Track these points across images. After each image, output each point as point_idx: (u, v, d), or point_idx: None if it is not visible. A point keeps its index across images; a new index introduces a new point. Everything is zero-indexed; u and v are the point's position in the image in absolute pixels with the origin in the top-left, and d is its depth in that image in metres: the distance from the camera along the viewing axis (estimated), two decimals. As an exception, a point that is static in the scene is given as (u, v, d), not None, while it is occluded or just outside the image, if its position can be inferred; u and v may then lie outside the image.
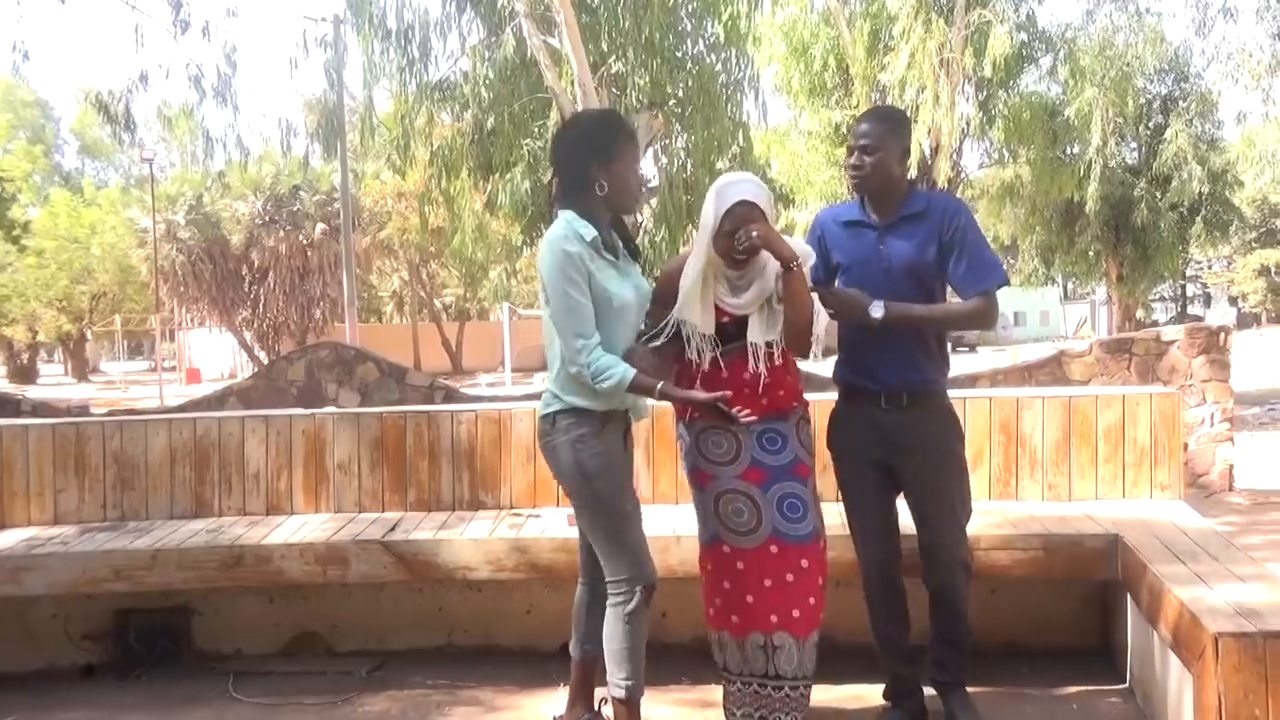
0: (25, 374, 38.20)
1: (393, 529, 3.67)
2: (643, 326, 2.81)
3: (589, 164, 2.68)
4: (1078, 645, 3.66)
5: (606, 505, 2.68)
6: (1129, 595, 3.19)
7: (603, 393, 2.61)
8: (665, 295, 2.84)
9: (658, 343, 2.77)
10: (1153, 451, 3.80)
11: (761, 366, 2.77)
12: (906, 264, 2.83)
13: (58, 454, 4.01)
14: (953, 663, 3.01)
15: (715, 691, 3.07)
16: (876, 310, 2.74)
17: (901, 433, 2.88)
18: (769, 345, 2.79)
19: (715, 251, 2.75)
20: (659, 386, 2.60)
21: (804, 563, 2.80)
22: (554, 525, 3.65)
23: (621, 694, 2.70)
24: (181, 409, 9.80)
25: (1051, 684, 3.38)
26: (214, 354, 38.53)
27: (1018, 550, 3.33)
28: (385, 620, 3.89)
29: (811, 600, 2.80)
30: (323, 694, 3.51)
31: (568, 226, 2.65)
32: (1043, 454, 3.84)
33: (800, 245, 2.82)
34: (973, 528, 3.41)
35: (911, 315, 2.80)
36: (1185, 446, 5.24)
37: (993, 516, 3.56)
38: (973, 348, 43.95)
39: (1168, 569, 2.88)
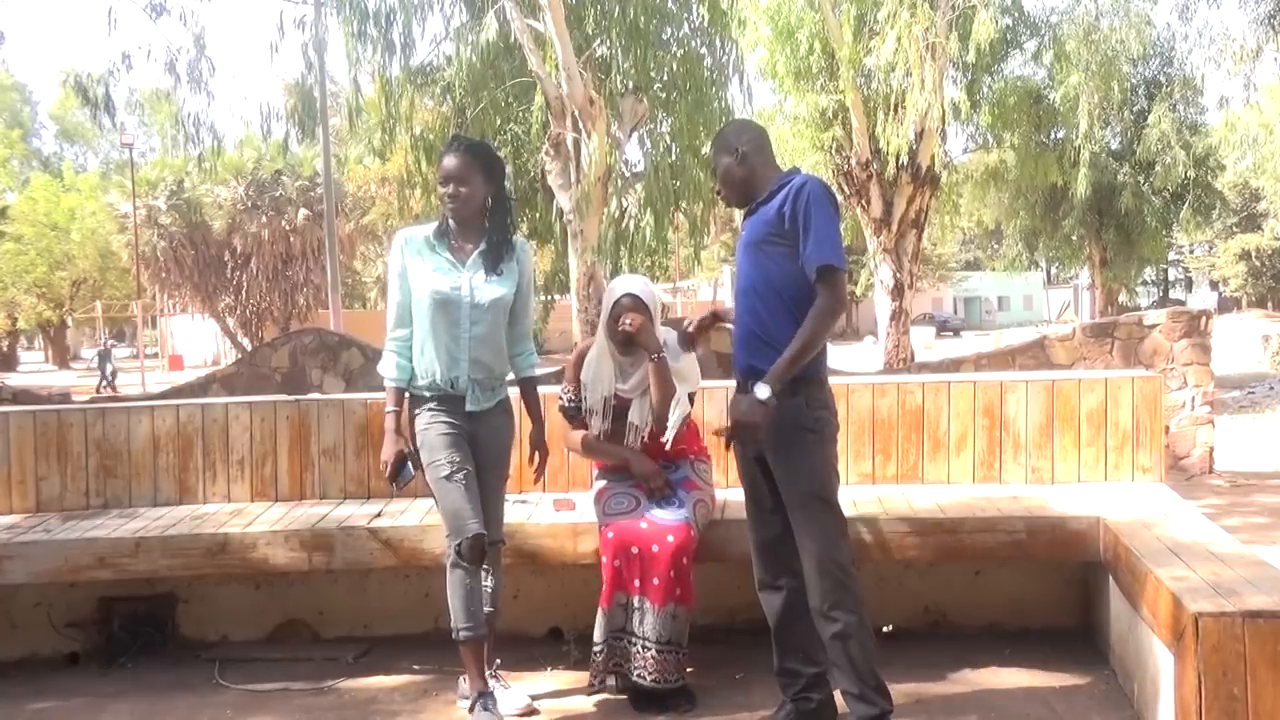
0: (5, 361, 37.92)
1: (379, 515, 3.66)
2: (562, 400, 3.46)
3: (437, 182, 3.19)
4: (1060, 626, 3.70)
5: (429, 470, 3.07)
6: (1111, 576, 3.22)
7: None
8: (572, 374, 3.44)
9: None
10: (1134, 434, 3.83)
11: (634, 440, 3.35)
12: (758, 238, 2.88)
13: (39, 441, 3.98)
14: (844, 689, 2.81)
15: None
16: (761, 393, 2.70)
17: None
18: (647, 425, 3.33)
19: (606, 334, 3.34)
20: (393, 409, 3.09)
21: (670, 538, 3.11)
22: (540, 511, 3.65)
23: (456, 637, 3.05)
24: (164, 396, 9.74)
25: (1033, 665, 3.41)
26: (197, 340, 38.29)
27: (1001, 533, 3.36)
28: (372, 606, 3.89)
29: (672, 573, 3.07)
30: (309, 680, 3.51)
31: (412, 228, 3.18)
32: (1026, 437, 3.87)
33: (668, 334, 3.37)
34: (956, 510, 3.45)
35: (784, 366, 2.73)
36: (1166, 429, 5.29)
37: (976, 499, 3.59)
38: (957, 332, 44.19)
39: (1149, 550, 2.91)
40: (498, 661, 3.27)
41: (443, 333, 3.05)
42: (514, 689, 3.23)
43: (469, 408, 3.11)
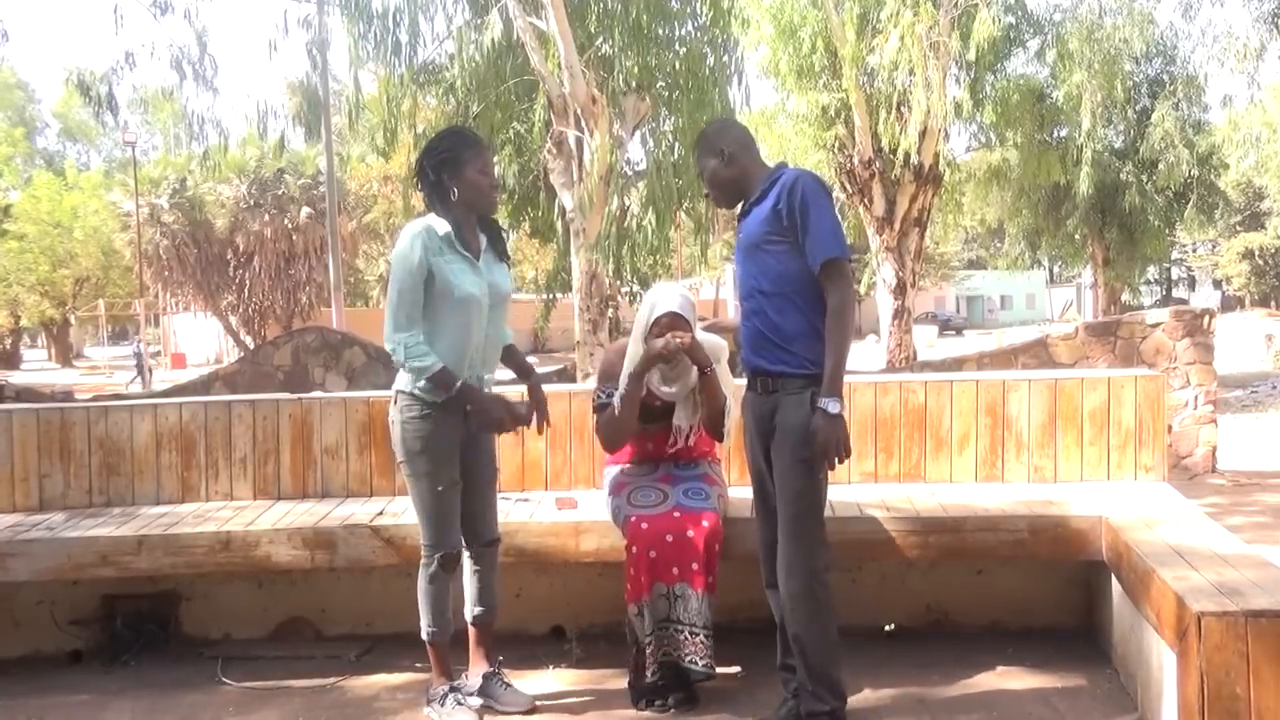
0: (8, 359, 37.95)
1: (381, 513, 3.66)
2: (600, 398, 3.38)
3: (441, 174, 3.04)
4: (1062, 626, 3.69)
5: (423, 481, 3.04)
6: (1113, 576, 3.22)
7: (411, 372, 2.97)
8: (610, 373, 3.39)
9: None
10: (1137, 434, 3.83)
11: (682, 443, 3.37)
12: (757, 238, 2.87)
13: (42, 439, 3.98)
14: (800, 682, 2.85)
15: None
16: (832, 407, 2.71)
17: (768, 418, 2.87)
18: (691, 429, 3.36)
19: (644, 347, 3.27)
20: (458, 384, 2.96)
21: (704, 523, 3.15)
22: (542, 509, 3.65)
23: (425, 636, 3.14)
24: (167, 394, 9.76)
25: (1036, 664, 3.41)
26: (199, 339, 38.33)
27: (1003, 532, 3.36)
28: (374, 604, 3.89)
29: (707, 558, 3.11)
30: (311, 678, 3.52)
31: (423, 222, 3.03)
32: (1028, 436, 3.87)
33: (714, 340, 3.35)
34: (958, 509, 3.45)
35: (833, 375, 2.73)
36: (1169, 429, 5.29)
37: (978, 498, 3.59)
38: (959, 331, 44.15)
39: (1151, 550, 2.90)
40: (500, 659, 3.28)
41: (465, 332, 3.02)
42: (516, 686, 3.24)
43: (470, 406, 3.12)
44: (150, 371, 27.62)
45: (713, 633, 3.11)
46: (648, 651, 3.10)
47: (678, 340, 3.18)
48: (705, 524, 3.14)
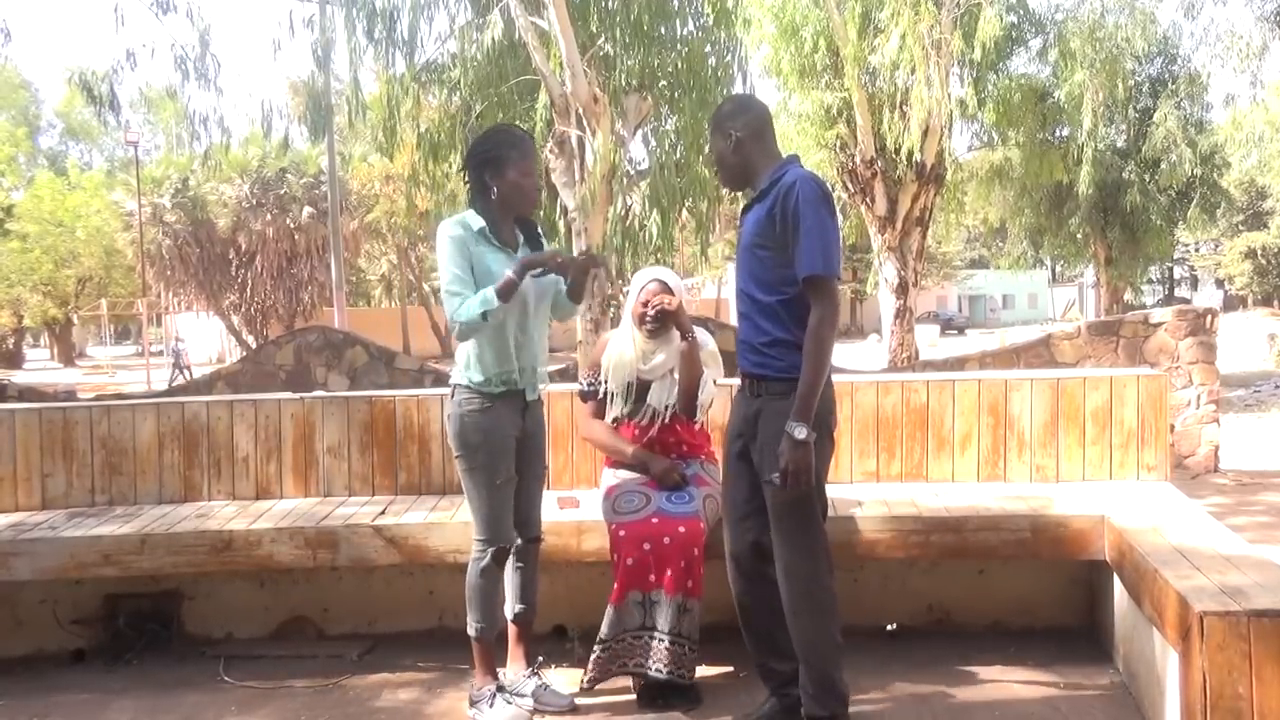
0: (10, 359, 37.99)
1: (383, 512, 3.67)
2: (582, 385, 3.54)
3: (483, 173, 3.07)
4: (1064, 625, 3.69)
5: (479, 473, 3.05)
6: (1115, 575, 3.22)
7: (484, 322, 2.94)
8: (596, 361, 3.53)
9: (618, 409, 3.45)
10: (1140, 433, 3.82)
11: (656, 423, 3.42)
12: (748, 241, 2.83)
13: (45, 439, 3.99)
14: (802, 685, 2.83)
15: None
16: (798, 433, 2.63)
17: (753, 422, 2.84)
18: (666, 408, 3.41)
19: (633, 320, 3.40)
20: (508, 275, 2.94)
21: (681, 529, 3.14)
22: (544, 508, 3.65)
23: (472, 632, 3.12)
24: (169, 393, 9.76)
25: (1038, 664, 3.41)
26: (202, 338, 38.35)
27: (1005, 531, 3.36)
28: (376, 604, 3.89)
29: (683, 564, 3.10)
30: (313, 677, 3.52)
31: (459, 217, 3.10)
32: (1030, 435, 3.86)
33: (699, 331, 3.43)
34: (961, 509, 3.44)
35: (804, 398, 2.65)
36: (1171, 428, 5.28)
37: (980, 498, 3.59)
38: (961, 330, 44.11)
39: (1154, 549, 2.90)
40: (539, 659, 3.30)
41: (510, 328, 3.04)
42: (555, 687, 3.24)
43: (529, 398, 3.16)
44: (189, 369, 27.78)
45: (685, 639, 3.09)
46: (601, 656, 3.11)
47: (663, 301, 3.32)
48: (682, 530, 3.14)
